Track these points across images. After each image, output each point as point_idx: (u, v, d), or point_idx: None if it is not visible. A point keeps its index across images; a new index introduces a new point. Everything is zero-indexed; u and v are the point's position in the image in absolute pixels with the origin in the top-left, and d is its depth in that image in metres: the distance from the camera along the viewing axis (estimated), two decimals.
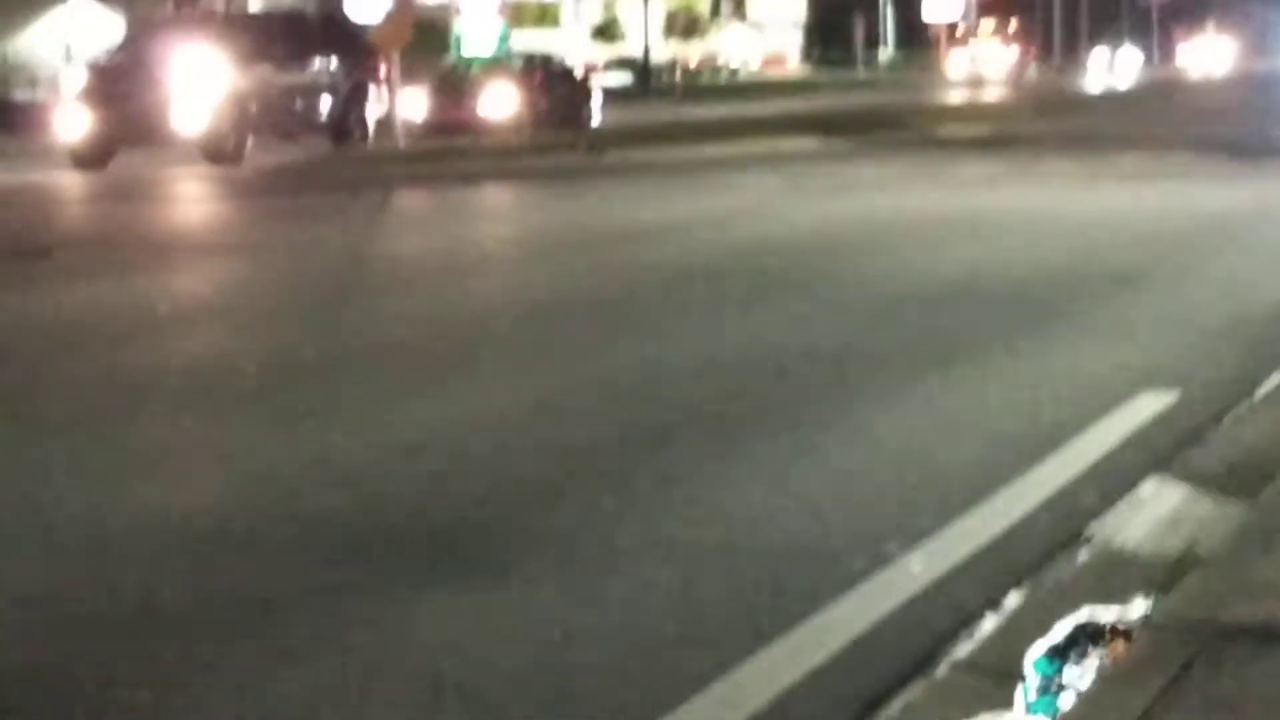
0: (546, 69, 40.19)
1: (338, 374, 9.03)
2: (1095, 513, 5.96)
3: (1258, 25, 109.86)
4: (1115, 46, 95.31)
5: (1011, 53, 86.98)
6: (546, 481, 6.58)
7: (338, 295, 12.42)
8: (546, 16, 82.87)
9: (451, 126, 33.87)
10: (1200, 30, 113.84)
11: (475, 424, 7.65)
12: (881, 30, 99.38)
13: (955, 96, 55.05)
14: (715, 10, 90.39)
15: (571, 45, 74.71)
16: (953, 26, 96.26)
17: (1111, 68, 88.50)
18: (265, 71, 28.68)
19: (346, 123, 30.40)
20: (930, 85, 65.23)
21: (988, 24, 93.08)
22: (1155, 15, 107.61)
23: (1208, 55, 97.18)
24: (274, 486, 6.56)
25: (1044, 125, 36.22)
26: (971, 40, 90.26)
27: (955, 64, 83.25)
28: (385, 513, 6.17)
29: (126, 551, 5.78)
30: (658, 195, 20.15)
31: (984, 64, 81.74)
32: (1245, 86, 59.17)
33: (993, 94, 57.10)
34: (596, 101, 39.74)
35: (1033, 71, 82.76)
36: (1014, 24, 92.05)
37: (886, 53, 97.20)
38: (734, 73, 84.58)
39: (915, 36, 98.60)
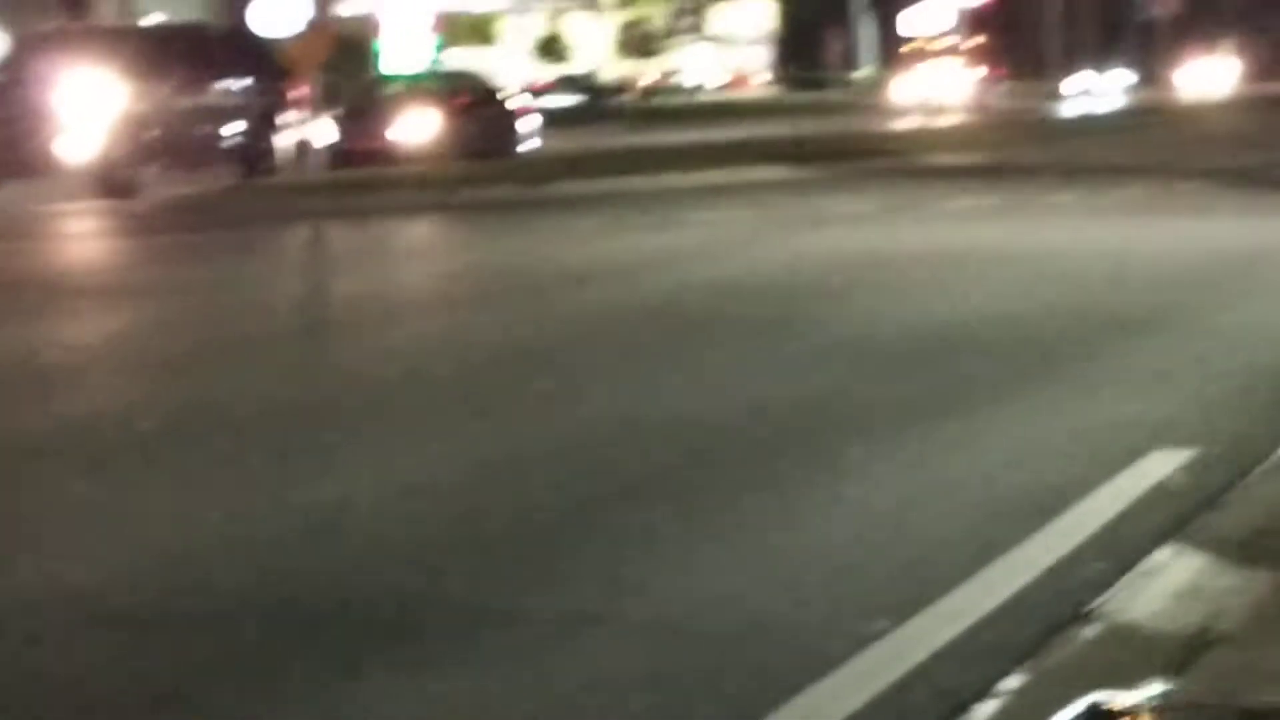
0: (472, 90, 40.23)
1: (247, 431, 9.01)
2: (1102, 585, 5.97)
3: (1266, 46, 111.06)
4: (1103, 67, 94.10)
5: (973, 74, 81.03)
6: (485, 552, 6.58)
7: (246, 343, 12.39)
8: (484, 32, 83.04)
9: (367, 154, 33.84)
10: (1205, 50, 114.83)
11: (404, 487, 7.65)
12: (857, 46, 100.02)
13: (899, 124, 54.82)
14: (672, 25, 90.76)
15: (512, 64, 74.93)
16: (906, 42, 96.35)
17: (1095, 90, 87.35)
18: (164, 94, 28.66)
19: (256, 150, 30.40)
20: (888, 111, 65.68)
21: (946, 41, 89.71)
22: (1154, 33, 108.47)
23: (1208, 76, 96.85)
24: (179, 558, 6.55)
25: (1039, 154, 36.42)
26: (930, 59, 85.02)
27: (905, 86, 76.08)
28: (305, 586, 6.17)
29: (10, 629, 5.75)
30: (606, 231, 20.19)
31: (939, 86, 74.96)
32: (1252, 111, 59.68)
33: (945, 120, 56.63)
34: (531, 126, 39.78)
35: (999, 95, 77.92)
36: (977, 41, 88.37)
37: (865, 71, 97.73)
38: (694, 93, 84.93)
39: (897, 54, 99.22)
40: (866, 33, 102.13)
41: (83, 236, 22.49)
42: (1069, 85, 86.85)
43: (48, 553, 6.74)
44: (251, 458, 8.35)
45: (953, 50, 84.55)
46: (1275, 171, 28.83)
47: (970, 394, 9.53)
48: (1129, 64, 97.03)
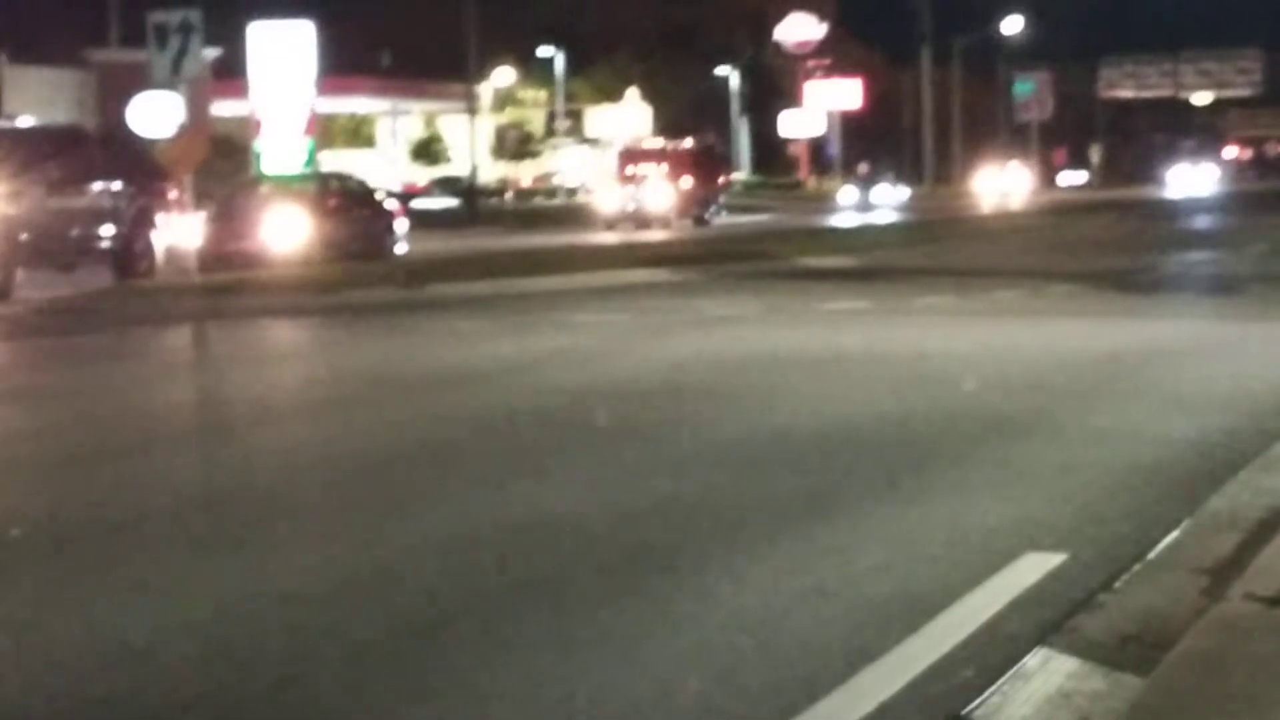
0: (344, 191, 40.20)
1: (118, 539, 8.91)
2: (973, 691, 5.99)
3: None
4: (877, 176, 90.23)
5: (680, 185, 62.47)
6: (356, 661, 6.52)
7: (120, 448, 12.26)
8: (360, 134, 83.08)
9: (238, 256, 33.68)
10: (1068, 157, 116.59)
11: (273, 597, 7.57)
12: (734, 149, 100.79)
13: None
14: (549, 128, 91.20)
15: (389, 166, 74.96)
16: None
17: (870, 197, 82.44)
18: (37, 194, 28.39)
19: (131, 252, 30.20)
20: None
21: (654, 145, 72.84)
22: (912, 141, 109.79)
23: (1006, 180, 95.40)
24: (41, 668, 6.46)
25: (916, 257, 36.80)
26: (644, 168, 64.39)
27: (613, 198, 60.36)
28: (172, 695, 6.09)
29: None
30: (484, 334, 20.18)
31: (646, 198, 59.16)
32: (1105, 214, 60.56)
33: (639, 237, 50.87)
34: (402, 228, 39.77)
35: (714, 211, 65.24)
36: (686, 145, 71.46)
37: (742, 174, 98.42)
38: (572, 195, 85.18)
39: (774, 156, 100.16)
40: (742, 135, 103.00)
41: None
42: (847, 193, 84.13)
43: None
44: (123, 565, 8.25)
45: (661, 156, 67.48)
46: (1144, 275, 29.36)
47: (842, 497, 9.55)
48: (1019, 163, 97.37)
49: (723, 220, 64.28)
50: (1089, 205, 76.15)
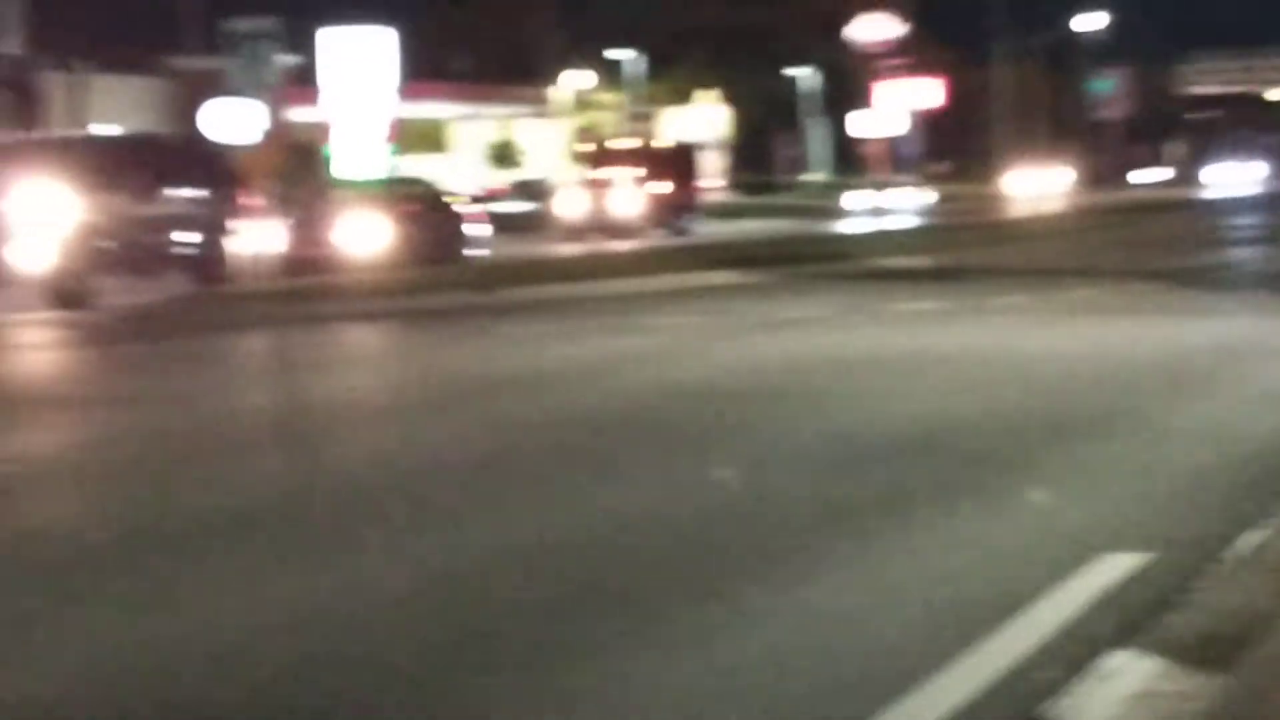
0: (421, 197, 40.34)
1: (205, 543, 8.97)
2: (1054, 691, 5.96)
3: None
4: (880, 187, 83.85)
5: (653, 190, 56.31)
6: (441, 664, 6.55)
7: (208, 452, 12.36)
8: (435, 139, 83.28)
9: (316, 261, 33.85)
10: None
11: (360, 600, 7.61)
12: (809, 150, 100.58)
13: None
14: (624, 130, 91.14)
15: (465, 170, 75.13)
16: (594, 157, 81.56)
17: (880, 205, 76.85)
18: (119, 203, 28.59)
19: (209, 258, 30.32)
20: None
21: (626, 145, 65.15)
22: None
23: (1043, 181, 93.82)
24: (129, 672, 6.51)
25: (994, 256, 36.67)
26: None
27: (577, 204, 54.39)
28: (262, 699, 6.13)
29: None
30: (560, 337, 20.23)
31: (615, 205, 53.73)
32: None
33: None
34: (480, 233, 39.85)
35: (690, 220, 58.03)
36: (661, 144, 67.92)
37: (818, 175, 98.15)
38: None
39: (851, 157, 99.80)
40: (818, 136, 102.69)
41: (35, 347, 22.38)
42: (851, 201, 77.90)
43: None
44: (208, 569, 8.32)
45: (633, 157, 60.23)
46: (1224, 272, 29.16)
47: (919, 497, 9.52)
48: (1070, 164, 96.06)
49: (705, 229, 57.57)
50: (1165, 203, 75.74)
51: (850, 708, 5.81)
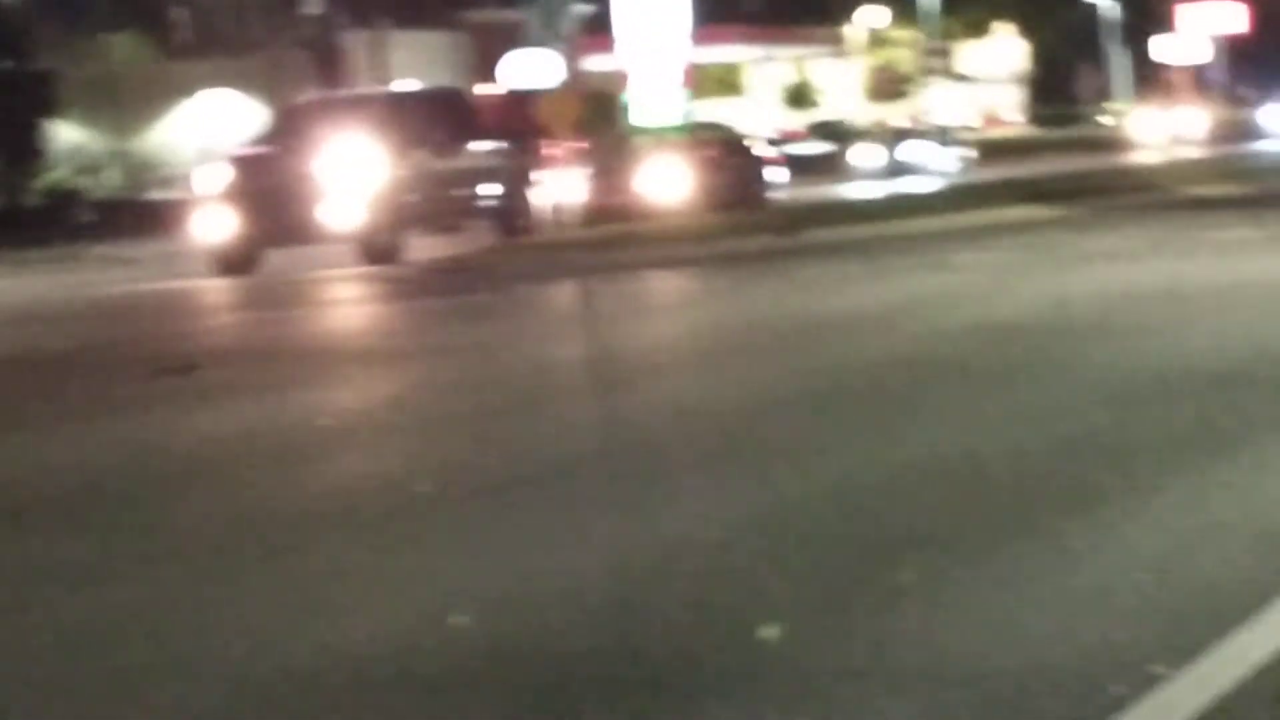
0: (720, 141, 40.34)
1: (523, 490, 9.17)
2: None
3: None
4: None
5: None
6: (750, 604, 6.63)
7: (521, 402, 12.60)
8: (731, 82, 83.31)
9: (619, 209, 34.01)
10: None
11: (682, 543, 7.72)
12: (1109, 81, 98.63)
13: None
14: (922, 67, 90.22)
15: (762, 113, 75.07)
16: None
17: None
18: (423, 158, 28.98)
19: (513, 210, 30.67)
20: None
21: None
22: None
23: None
24: (459, 621, 6.68)
25: None
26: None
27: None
28: (586, 643, 6.26)
29: (290, 699, 5.93)
30: (867, 277, 20.23)
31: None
32: None
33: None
34: (782, 175, 39.81)
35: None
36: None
37: (1119, 105, 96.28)
38: (944, 134, 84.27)
39: (1149, 84, 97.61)
40: (1120, 65, 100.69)
41: (350, 302, 22.91)
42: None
43: (326, 618, 6.90)
44: (533, 515, 8.50)
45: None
46: None
47: (1242, 432, 9.40)
48: None
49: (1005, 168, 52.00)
50: None
51: (1177, 644, 5.77)
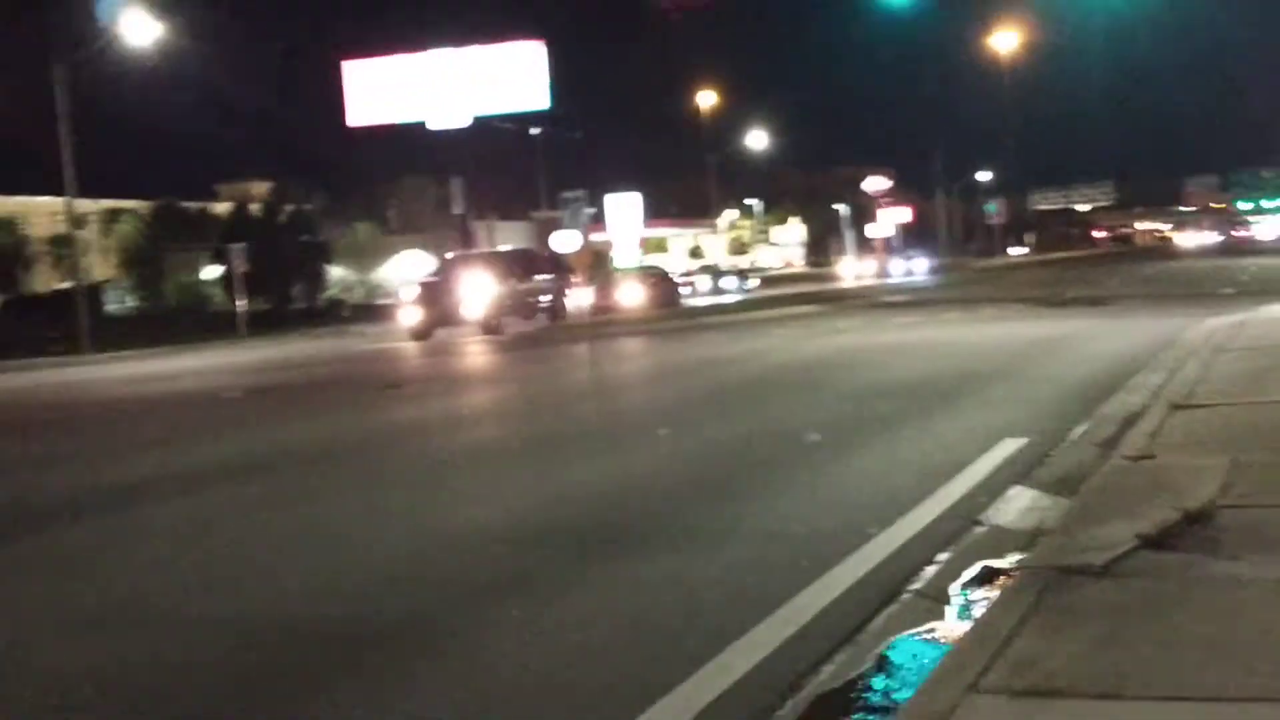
0: (658, 275, 40.68)
1: (552, 445, 8.73)
2: (985, 507, 5.86)
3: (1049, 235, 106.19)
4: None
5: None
6: (695, 492, 6.46)
7: (577, 397, 12.38)
8: (661, 245, 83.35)
9: (607, 308, 34.21)
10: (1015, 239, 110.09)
11: (609, 480, 7.54)
12: (845, 245, 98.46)
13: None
14: (754, 238, 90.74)
15: (676, 261, 74.95)
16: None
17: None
18: (513, 282, 29.07)
19: (557, 309, 30.62)
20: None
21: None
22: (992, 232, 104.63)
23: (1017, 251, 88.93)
24: (558, 501, 6.36)
25: (941, 293, 35.65)
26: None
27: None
28: (547, 532, 6.09)
29: (455, 544, 5.65)
30: (728, 340, 20.01)
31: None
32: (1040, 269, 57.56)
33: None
34: (686, 293, 39.75)
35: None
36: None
37: (845, 258, 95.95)
38: (765, 272, 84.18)
39: (865, 248, 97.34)
40: (850, 238, 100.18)
41: (478, 354, 22.71)
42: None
43: (476, 505, 6.46)
44: (562, 454, 8.10)
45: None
46: (1058, 299, 28.12)
47: (911, 413, 9.24)
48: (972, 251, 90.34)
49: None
50: (1025, 264, 73.25)
51: (885, 514, 5.64)
